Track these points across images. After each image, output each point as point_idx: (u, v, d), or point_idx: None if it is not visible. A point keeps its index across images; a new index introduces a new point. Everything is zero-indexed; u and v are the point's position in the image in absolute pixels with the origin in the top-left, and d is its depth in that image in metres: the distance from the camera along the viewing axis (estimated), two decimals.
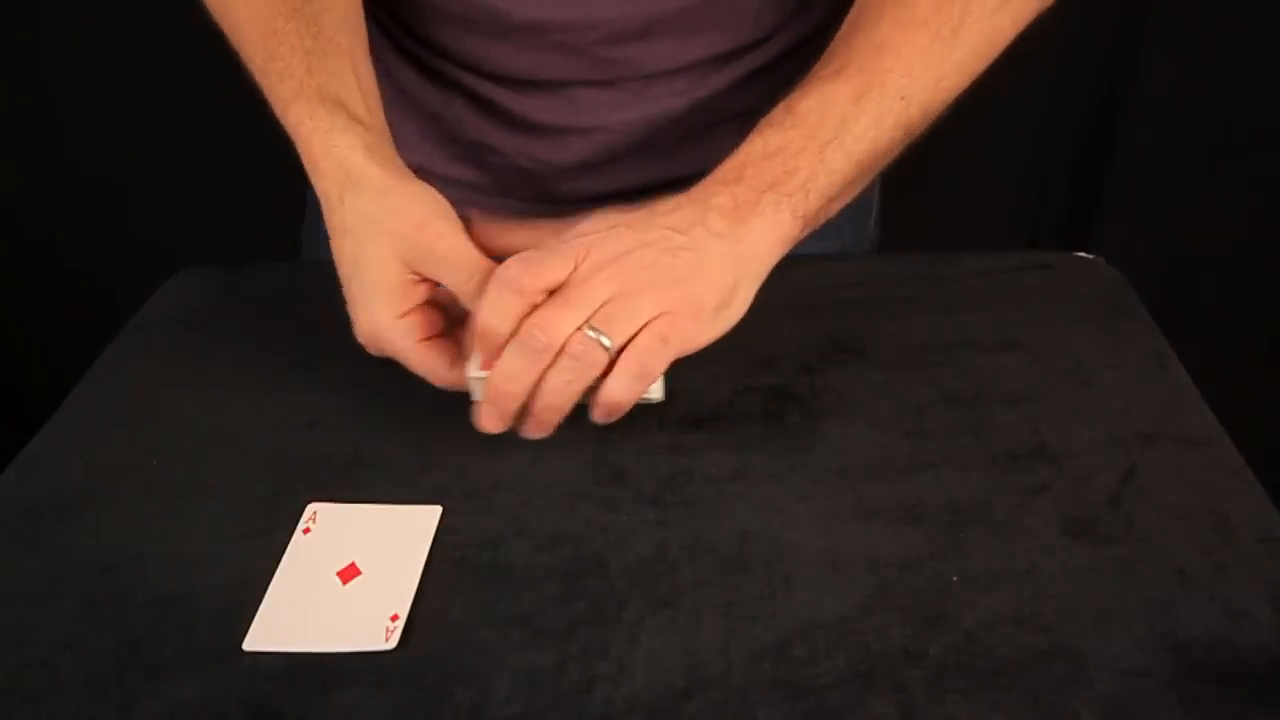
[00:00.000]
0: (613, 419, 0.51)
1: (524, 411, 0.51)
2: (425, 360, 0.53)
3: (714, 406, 0.58)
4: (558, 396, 0.50)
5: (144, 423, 0.58)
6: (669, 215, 0.52)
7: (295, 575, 0.48)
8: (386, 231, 0.52)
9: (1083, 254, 0.71)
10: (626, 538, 0.50)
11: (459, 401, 0.58)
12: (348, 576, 0.48)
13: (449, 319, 0.55)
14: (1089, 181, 1.36)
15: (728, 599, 0.47)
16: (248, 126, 1.19)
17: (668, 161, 0.72)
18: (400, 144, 0.75)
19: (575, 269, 0.50)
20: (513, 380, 0.49)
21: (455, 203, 0.76)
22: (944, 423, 0.57)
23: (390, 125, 0.75)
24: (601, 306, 0.49)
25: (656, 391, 0.52)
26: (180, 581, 0.49)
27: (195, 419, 0.59)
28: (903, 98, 0.55)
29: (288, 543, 0.50)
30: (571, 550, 0.50)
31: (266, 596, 0.47)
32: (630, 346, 0.49)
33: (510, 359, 0.49)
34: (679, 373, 0.60)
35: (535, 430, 0.51)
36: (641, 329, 0.49)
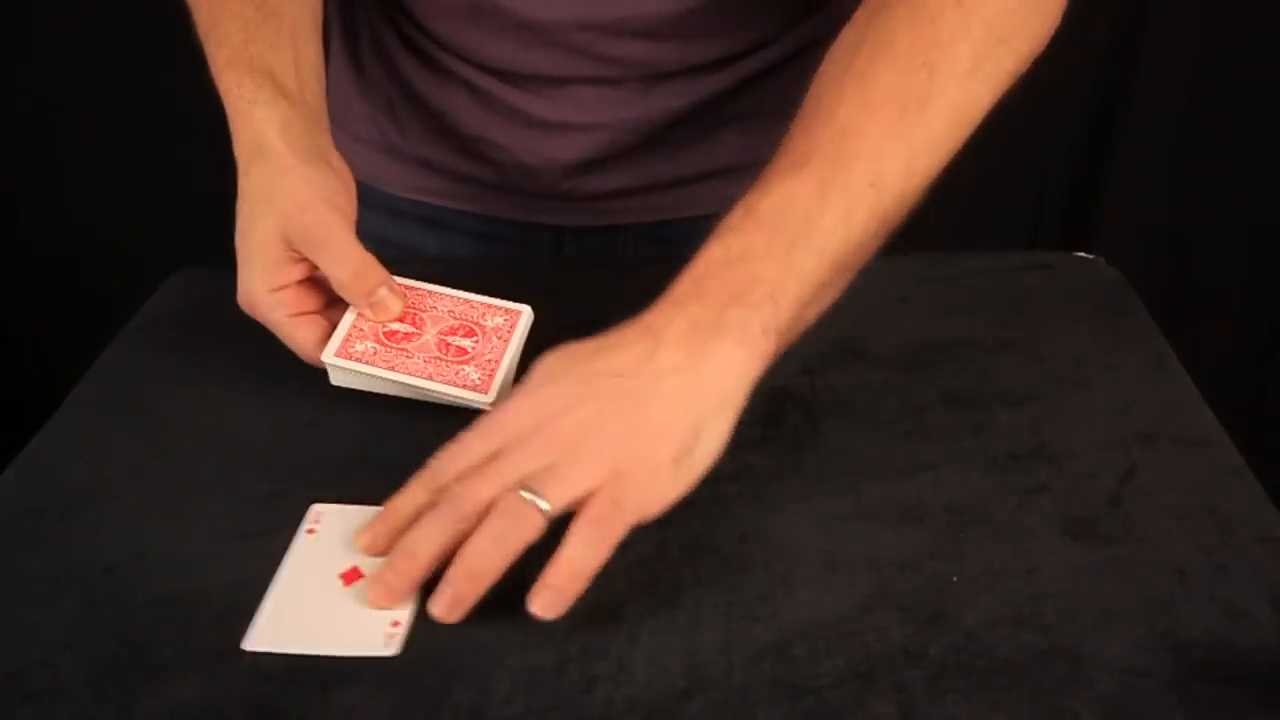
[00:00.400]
0: (565, 597, 0.43)
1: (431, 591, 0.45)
2: (293, 334, 0.55)
3: None
4: (483, 559, 0.43)
5: (144, 423, 0.58)
6: (617, 354, 0.47)
7: (297, 576, 0.48)
8: (274, 208, 0.54)
9: (1083, 254, 0.71)
10: (626, 538, 0.50)
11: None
12: (350, 579, 0.48)
13: (327, 298, 0.56)
14: (1089, 181, 1.36)
15: (728, 599, 0.47)
16: None
17: (669, 161, 0.73)
18: (404, 137, 0.75)
19: (502, 442, 0.45)
20: (422, 543, 0.44)
21: (459, 196, 0.76)
22: (944, 423, 0.57)
23: (394, 119, 0.75)
24: (534, 473, 0.44)
25: None
26: (180, 581, 0.49)
27: (195, 419, 0.58)
28: (873, 185, 0.49)
29: (288, 543, 0.50)
30: None
31: (267, 597, 0.47)
32: (581, 514, 0.44)
33: (423, 526, 0.45)
34: None
35: (449, 609, 0.44)
36: (593, 494, 0.44)
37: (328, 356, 0.55)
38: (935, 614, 0.46)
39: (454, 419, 0.54)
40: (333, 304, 0.57)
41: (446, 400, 0.55)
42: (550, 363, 0.48)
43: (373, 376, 0.55)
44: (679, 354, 0.46)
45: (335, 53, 0.77)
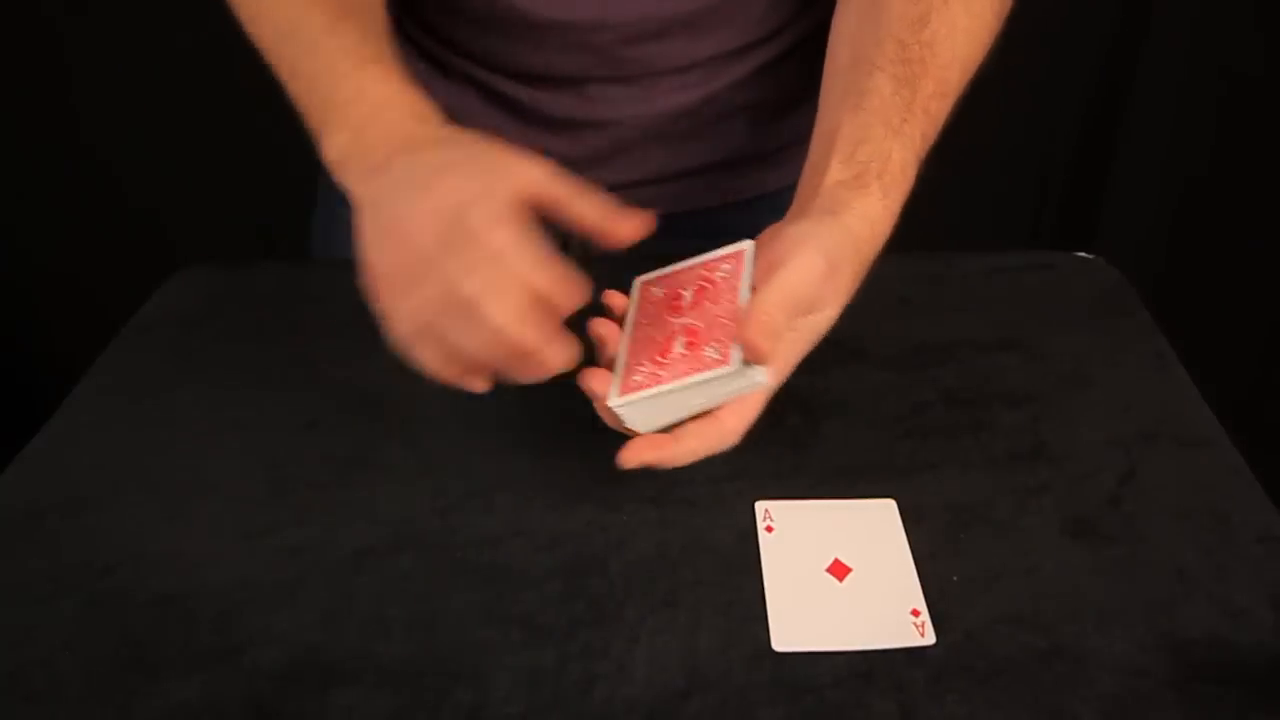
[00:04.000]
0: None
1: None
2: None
3: None
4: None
5: (144, 423, 0.58)
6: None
7: (784, 574, 0.48)
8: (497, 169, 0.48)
9: (1083, 254, 0.71)
10: (626, 538, 0.50)
11: (459, 402, 0.58)
12: (841, 574, 0.48)
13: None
14: (1089, 181, 1.36)
15: (728, 599, 0.47)
16: (248, 126, 1.19)
17: (678, 153, 0.73)
18: None
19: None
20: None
21: None
22: (944, 423, 0.57)
23: None
24: None
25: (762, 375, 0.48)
26: (180, 581, 0.49)
27: (195, 419, 0.58)
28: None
29: (288, 543, 0.50)
30: (571, 550, 0.50)
31: (769, 596, 0.47)
32: None
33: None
34: None
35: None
36: None
37: (615, 401, 0.48)
38: (935, 614, 0.46)
39: (454, 419, 0.54)
40: None
41: (721, 396, 0.48)
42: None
43: (654, 399, 0.48)
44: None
45: None
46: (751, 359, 0.45)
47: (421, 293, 0.44)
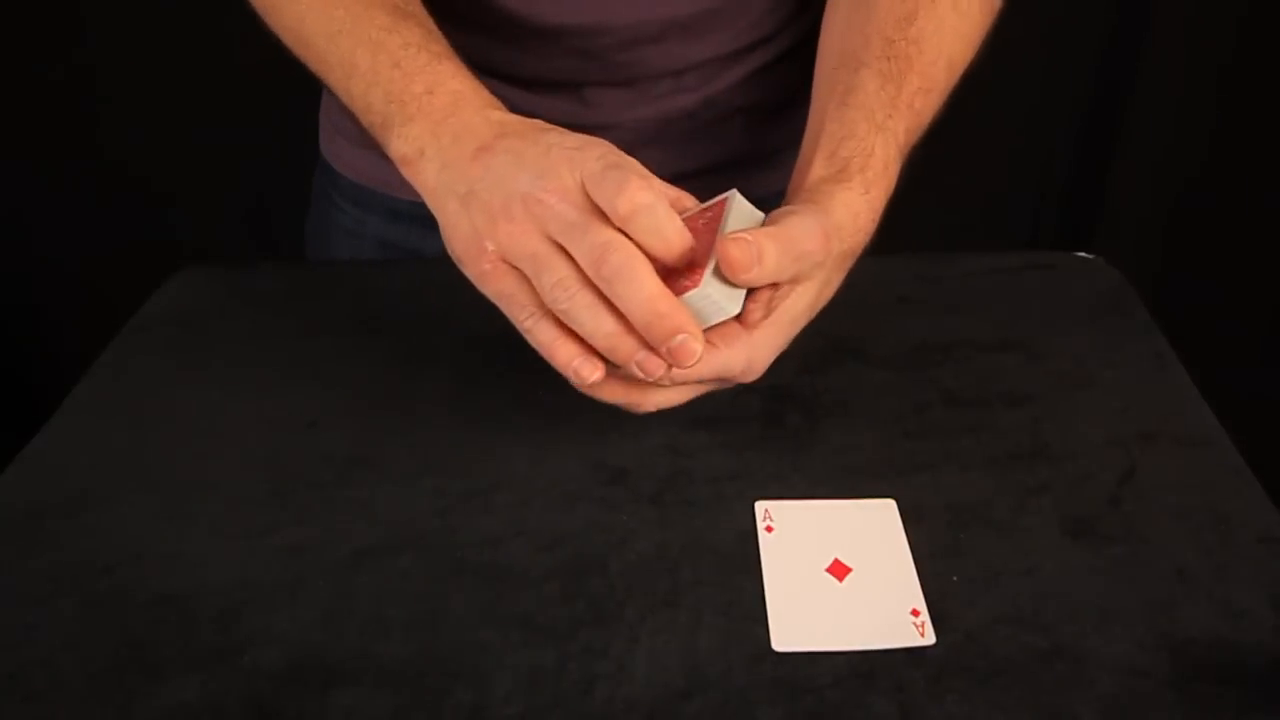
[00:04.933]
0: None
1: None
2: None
3: (714, 406, 0.58)
4: None
5: (144, 423, 0.58)
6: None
7: (783, 574, 0.48)
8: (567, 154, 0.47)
9: (1083, 254, 0.71)
10: (626, 538, 0.50)
11: (459, 402, 0.59)
12: (840, 573, 0.48)
13: None
14: (1089, 181, 1.36)
15: (728, 599, 0.47)
16: (249, 127, 1.19)
17: (675, 156, 0.73)
18: None
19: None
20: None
21: None
22: (944, 423, 0.57)
23: None
24: None
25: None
26: (180, 581, 0.49)
27: (195, 419, 0.58)
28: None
29: (288, 543, 0.50)
30: (571, 550, 0.50)
31: (769, 596, 0.47)
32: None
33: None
34: None
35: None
36: None
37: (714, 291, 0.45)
38: (935, 614, 0.46)
39: (454, 419, 0.54)
40: None
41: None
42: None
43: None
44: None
45: None
46: (727, 271, 0.43)
47: (558, 269, 0.45)
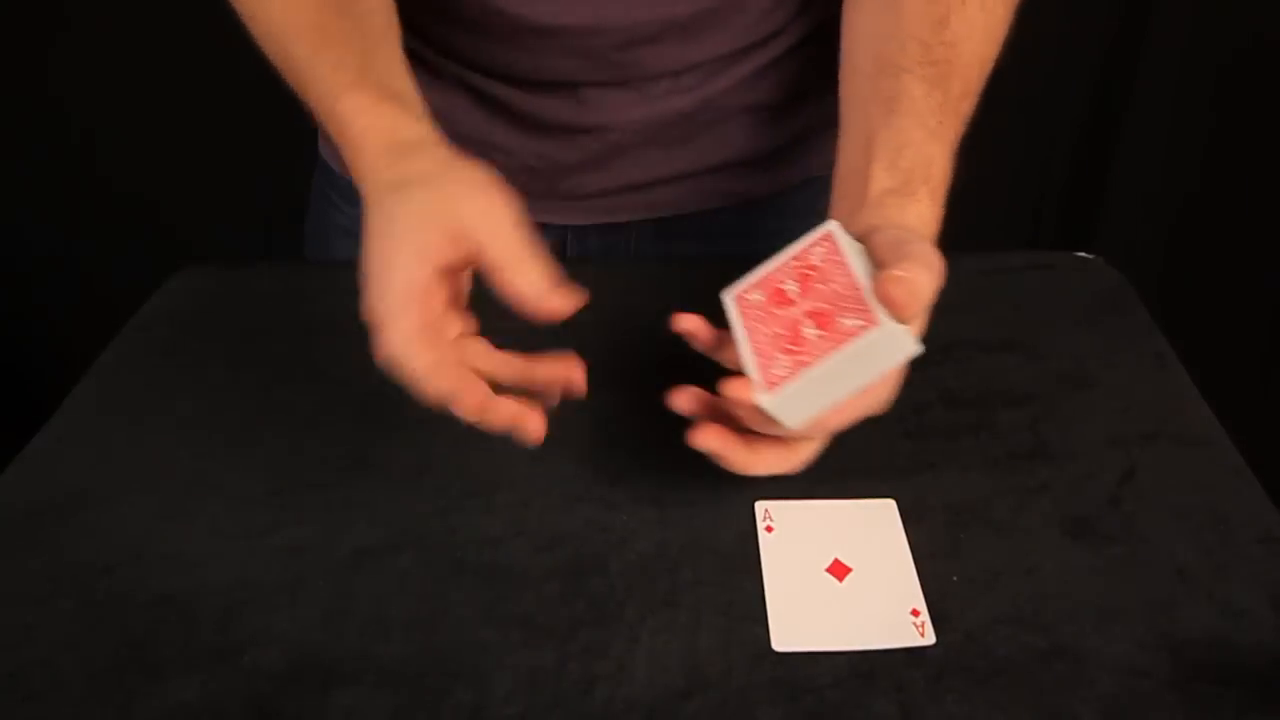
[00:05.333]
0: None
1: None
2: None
3: None
4: None
5: (144, 423, 0.58)
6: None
7: (783, 574, 0.48)
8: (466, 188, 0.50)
9: (1083, 254, 0.71)
10: (626, 538, 0.50)
11: None
12: (840, 573, 0.48)
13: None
14: (1089, 181, 1.36)
15: (728, 599, 0.47)
16: (248, 127, 1.19)
17: (674, 156, 0.73)
18: None
19: None
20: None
21: None
22: (944, 423, 0.57)
23: None
24: None
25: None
26: (180, 581, 0.49)
27: (195, 419, 0.58)
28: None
29: (287, 542, 0.50)
30: (571, 550, 0.50)
31: (769, 596, 0.47)
32: None
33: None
34: (675, 372, 0.60)
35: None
36: None
37: (764, 399, 0.46)
38: (935, 614, 0.46)
39: (454, 419, 0.54)
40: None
41: (872, 372, 0.46)
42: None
43: (804, 385, 0.45)
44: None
45: None
46: (894, 312, 0.43)
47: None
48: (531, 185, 0.74)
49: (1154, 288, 0.73)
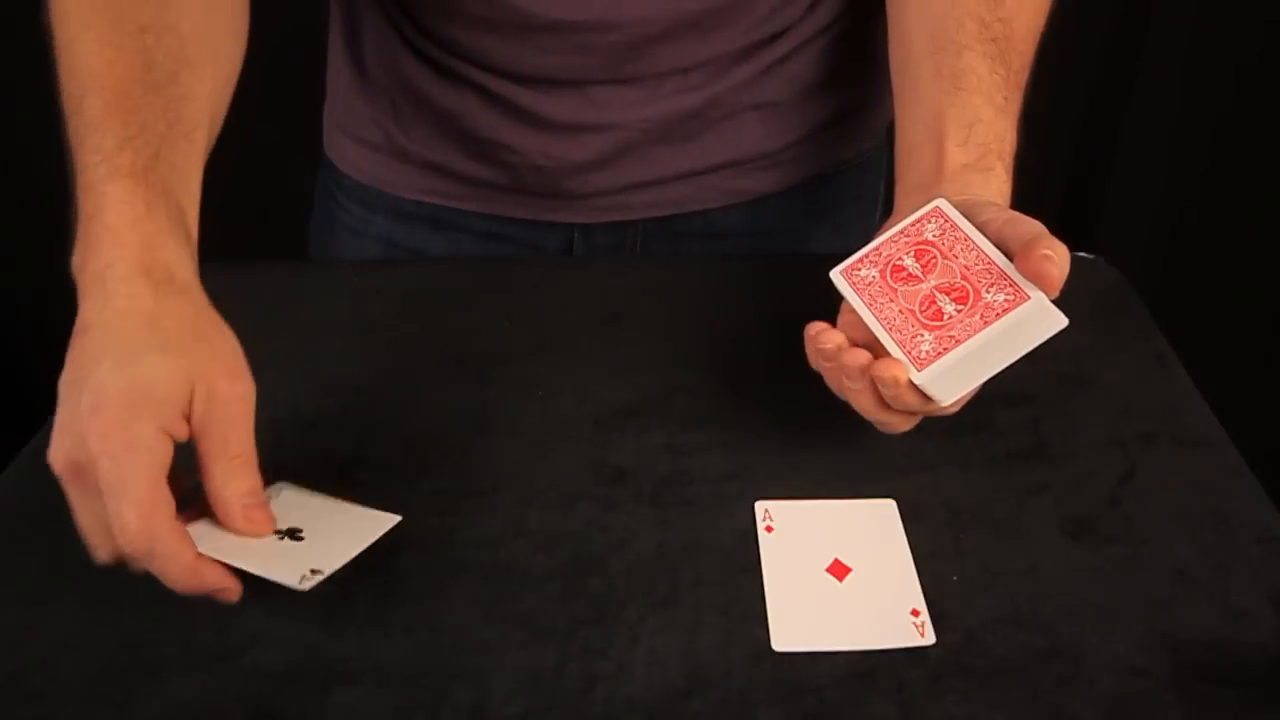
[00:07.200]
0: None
1: None
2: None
3: (714, 406, 0.58)
4: None
5: None
6: None
7: (783, 574, 0.48)
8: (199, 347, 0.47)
9: (1083, 254, 0.71)
10: (626, 538, 0.50)
11: (459, 402, 0.59)
12: (840, 573, 0.48)
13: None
14: (1089, 181, 1.36)
15: (728, 599, 0.47)
16: (248, 127, 1.19)
17: (683, 154, 0.73)
18: (410, 139, 0.75)
19: None
20: None
21: (467, 198, 0.76)
22: (944, 423, 0.57)
23: (399, 122, 0.75)
24: None
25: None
26: None
27: None
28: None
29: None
30: (571, 550, 0.50)
31: (769, 596, 0.47)
32: None
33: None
34: (677, 372, 0.61)
35: None
36: None
37: (919, 377, 0.45)
38: (935, 614, 0.46)
39: (454, 419, 0.54)
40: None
41: (1022, 346, 0.46)
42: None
43: (961, 361, 0.45)
44: None
45: (336, 54, 0.77)
46: (1045, 286, 0.43)
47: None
48: (540, 185, 0.74)
49: (1154, 288, 0.73)
